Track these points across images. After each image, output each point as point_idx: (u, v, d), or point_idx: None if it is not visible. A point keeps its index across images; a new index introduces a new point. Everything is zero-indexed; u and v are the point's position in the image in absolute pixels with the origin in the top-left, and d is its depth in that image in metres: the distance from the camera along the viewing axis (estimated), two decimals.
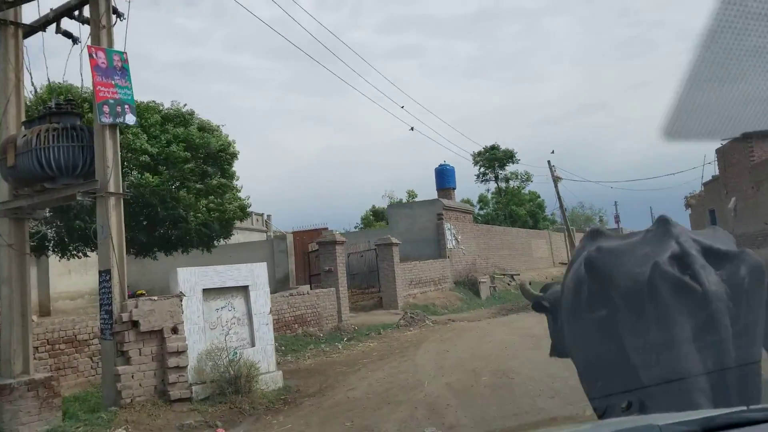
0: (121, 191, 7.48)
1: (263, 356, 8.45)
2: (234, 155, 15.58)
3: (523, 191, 36.21)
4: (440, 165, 24.22)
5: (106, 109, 7.19)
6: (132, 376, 7.16)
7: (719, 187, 25.46)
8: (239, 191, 16.27)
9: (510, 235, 29.74)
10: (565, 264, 38.57)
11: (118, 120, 7.33)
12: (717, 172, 30.51)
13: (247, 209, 17.08)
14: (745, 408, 1.78)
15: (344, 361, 10.49)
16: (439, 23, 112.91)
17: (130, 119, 7.56)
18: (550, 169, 37.05)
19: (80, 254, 14.21)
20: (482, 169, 35.06)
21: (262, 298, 8.78)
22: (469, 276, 22.40)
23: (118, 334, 7.16)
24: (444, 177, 24.02)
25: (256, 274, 8.83)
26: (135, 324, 7.21)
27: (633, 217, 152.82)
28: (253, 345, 8.51)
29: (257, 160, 77.41)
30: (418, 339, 12.23)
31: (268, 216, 42.90)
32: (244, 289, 8.67)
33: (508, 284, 25.95)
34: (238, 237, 24.14)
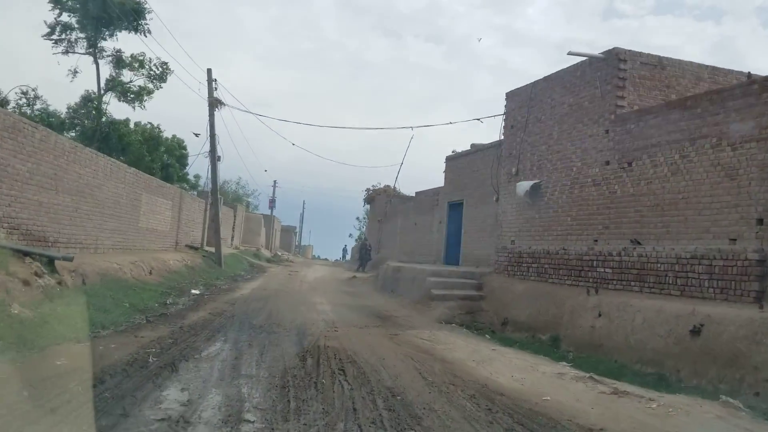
0: None
1: None
2: None
3: (146, 99, 19.21)
4: None
5: None
6: None
7: (501, 166, 14.00)
8: None
9: (92, 168, 13.52)
10: (197, 248, 20.97)
11: None
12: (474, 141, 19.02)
13: None
14: None
15: None
16: None
17: None
18: (210, 83, 21.77)
19: None
20: (66, 16, 16.24)
21: None
22: None
23: None
24: None
25: None
26: None
27: (287, 209, 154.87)
28: None
29: None
30: None
31: None
32: None
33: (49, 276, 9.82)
34: None
